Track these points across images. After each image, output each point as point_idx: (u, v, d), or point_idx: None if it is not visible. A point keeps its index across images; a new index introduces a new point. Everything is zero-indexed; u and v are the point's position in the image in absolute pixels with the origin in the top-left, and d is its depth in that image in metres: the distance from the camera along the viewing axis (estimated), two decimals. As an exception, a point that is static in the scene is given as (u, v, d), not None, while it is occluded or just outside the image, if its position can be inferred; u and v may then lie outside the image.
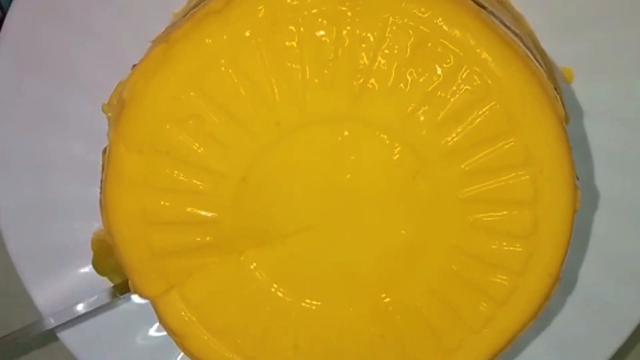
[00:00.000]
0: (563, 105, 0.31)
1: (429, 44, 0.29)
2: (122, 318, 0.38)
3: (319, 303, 0.33)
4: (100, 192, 0.32)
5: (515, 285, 0.32)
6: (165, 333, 0.34)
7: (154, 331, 0.39)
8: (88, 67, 0.36)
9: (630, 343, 0.37)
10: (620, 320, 0.36)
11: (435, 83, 0.30)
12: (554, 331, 0.37)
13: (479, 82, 0.30)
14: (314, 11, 0.29)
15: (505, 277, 0.32)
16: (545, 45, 0.35)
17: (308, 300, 0.33)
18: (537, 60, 0.31)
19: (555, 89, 0.31)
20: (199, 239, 0.32)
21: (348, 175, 0.31)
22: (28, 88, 0.36)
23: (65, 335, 0.38)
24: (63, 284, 0.37)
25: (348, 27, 0.29)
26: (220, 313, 0.33)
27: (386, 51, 0.29)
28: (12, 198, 0.36)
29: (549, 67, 0.35)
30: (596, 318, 0.36)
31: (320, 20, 0.29)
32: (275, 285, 0.33)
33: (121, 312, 0.39)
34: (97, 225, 0.36)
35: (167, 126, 0.30)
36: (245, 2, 0.29)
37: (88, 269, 0.37)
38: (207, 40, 0.29)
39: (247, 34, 0.29)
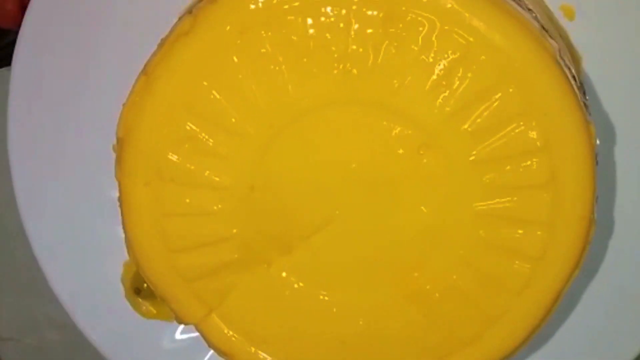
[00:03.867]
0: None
1: (398, 14, 0.29)
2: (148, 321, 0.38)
3: (355, 295, 0.33)
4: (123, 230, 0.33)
5: (549, 236, 0.30)
6: (191, 335, 0.34)
7: (180, 334, 0.38)
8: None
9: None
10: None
11: (415, 51, 0.29)
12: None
13: (458, 40, 0.29)
14: (283, 8, 0.29)
15: (538, 232, 0.30)
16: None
17: (344, 295, 0.33)
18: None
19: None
20: (225, 257, 0.33)
21: (353, 165, 0.31)
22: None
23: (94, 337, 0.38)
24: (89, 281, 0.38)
25: (312, 19, 0.29)
26: (262, 325, 0.33)
27: (357, 34, 0.29)
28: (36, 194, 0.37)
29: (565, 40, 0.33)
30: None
31: (287, 17, 0.29)
32: (308, 288, 0.33)
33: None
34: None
35: (166, 154, 0.31)
36: (210, 18, 0.29)
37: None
38: (182, 64, 0.30)
39: (219, 48, 0.29)
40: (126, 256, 0.34)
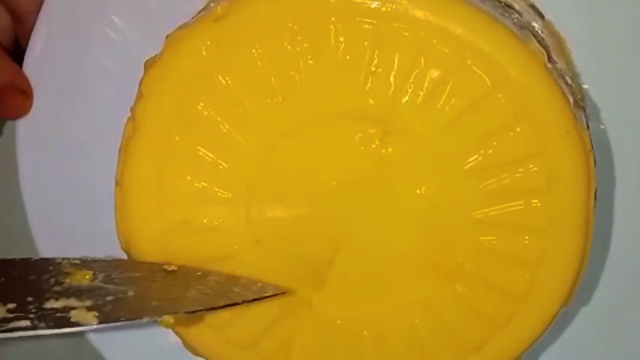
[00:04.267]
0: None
1: (299, 30, 0.29)
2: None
3: (399, 296, 0.32)
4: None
5: (546, 166, 0.29)
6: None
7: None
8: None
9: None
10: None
11: (331, 54, 0.29)
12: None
13: (365, 27, 0.29)
14: (203, 74, 0.30)
15: (534, 167, 0.29)
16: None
17: (390, 300, 0.32)
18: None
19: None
20: (268, 315, 0.33)
21: (334, 182, 0.31)
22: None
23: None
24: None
25: (229, 76, 0.30)
26: (332, 360, 0.34)
27: (273, 66, 0.29)
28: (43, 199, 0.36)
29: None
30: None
31: (209, 81, 0.30)
32: (355, 309, 0.33)
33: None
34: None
35: (167, 245, 0.32)
36: (143, 114, 0.31)
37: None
38: (141, 165, 0.31)
39: (163, 136, 0.31)
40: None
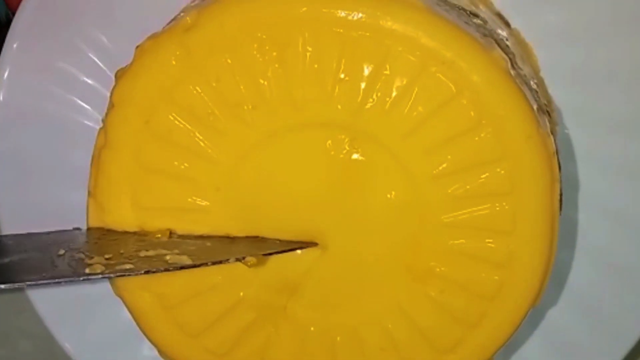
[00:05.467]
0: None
1: (268, 41, 0.29)
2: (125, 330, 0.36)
3: (373, 301, 0.33)
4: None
5: (512, 169, 0.30)
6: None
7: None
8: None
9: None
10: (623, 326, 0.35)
11: (300, 63, 0.29)
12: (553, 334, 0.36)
13: (334, 33, 0.29)
14: (179, 87, 0.30)
15: (498, 169, 0.30)
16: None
17: (363, 304, 0.33)
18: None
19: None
20: (244, 320, 0.33)
21: (306, 188, 0.31)
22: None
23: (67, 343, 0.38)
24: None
25: (200, 86, 0.30)
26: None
27: (242, 76, 0.30)
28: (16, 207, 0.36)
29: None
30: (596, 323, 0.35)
31: (179, 92, 0.30)
32: (328, 313, 0.33)
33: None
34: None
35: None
36: (113, 125, 0.31)
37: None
38: (110, 175, 0.31)
39: (134, 146, 0.31)
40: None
